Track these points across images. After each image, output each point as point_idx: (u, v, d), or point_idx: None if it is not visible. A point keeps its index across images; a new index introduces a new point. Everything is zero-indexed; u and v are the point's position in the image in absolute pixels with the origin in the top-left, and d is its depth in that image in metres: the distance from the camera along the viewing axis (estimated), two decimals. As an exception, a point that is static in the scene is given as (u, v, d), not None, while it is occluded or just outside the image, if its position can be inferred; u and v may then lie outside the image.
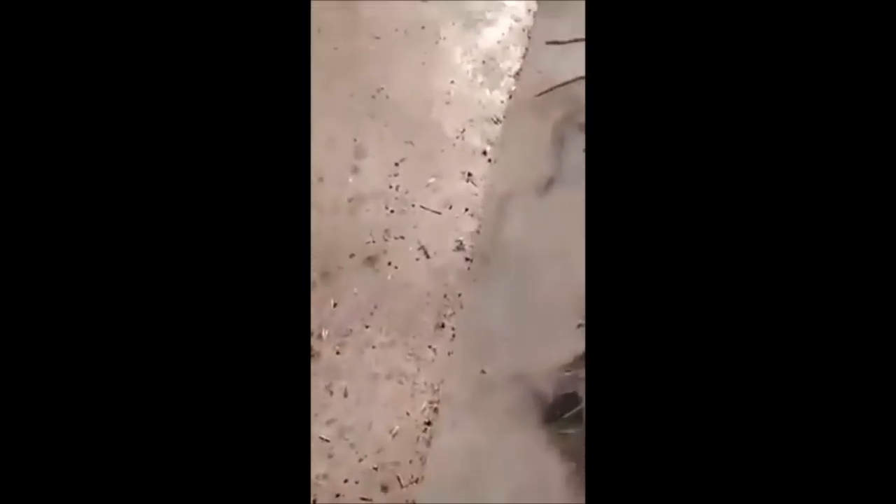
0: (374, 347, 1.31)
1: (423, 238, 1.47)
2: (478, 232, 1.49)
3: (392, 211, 1.49)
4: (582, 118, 1.49)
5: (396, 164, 1.56)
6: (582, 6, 1.75)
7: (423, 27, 1.81)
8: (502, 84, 1.73)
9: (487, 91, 1.71)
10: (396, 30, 1.81)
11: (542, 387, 1.19)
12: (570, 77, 1.63)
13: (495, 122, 1.66)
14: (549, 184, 1.45)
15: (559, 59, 1.69)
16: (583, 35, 1.67)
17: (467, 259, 1.45)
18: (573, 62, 1.65)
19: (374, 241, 1.44)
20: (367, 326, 1.33)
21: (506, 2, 1.90)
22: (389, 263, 1.42)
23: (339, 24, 1.81)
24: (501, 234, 1.45)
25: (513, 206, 1.48)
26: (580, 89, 1.56)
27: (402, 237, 1.46)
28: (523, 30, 1.84)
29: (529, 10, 1.88)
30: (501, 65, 1.76)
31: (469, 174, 1.57)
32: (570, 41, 1.69)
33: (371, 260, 1.42)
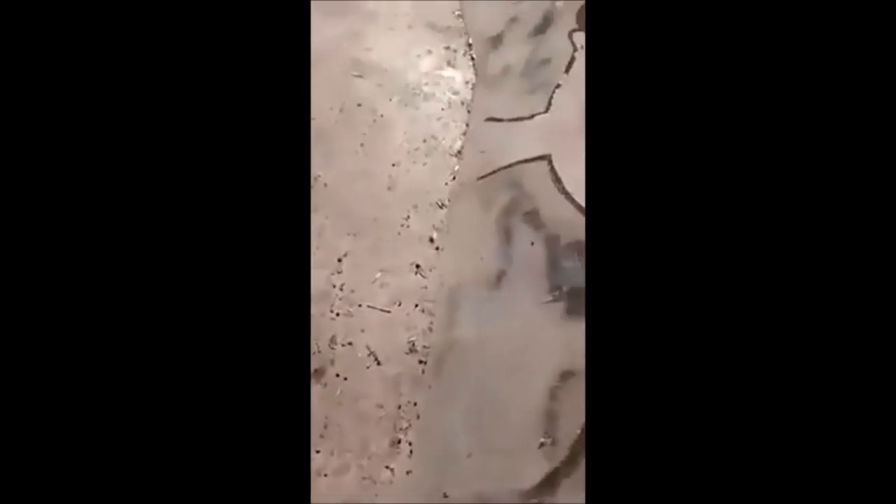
0: (325, 475, 1.22)
1: (373, 342, 1.39)
2: (430, 329, 1.43)
3: (338, 314, 1.41)
4: (528, 206, 1.46)
5: (339, 260, 1.48)
6: (518, 83, 1.73)
7: (358, 104, 1.74)
8: (445, 164, 1.68)
9: (430, 172, 1.66)
10: (331, 108, 1.74)
11: (508, 512, 1.14)
12: (512, 157, 1.60)
13: (440, 207, 1.61)
14: (499, 277, 1.41)
15: (500, 137, 1.65)
16: (525, 113, 1.65)
17: (421, 361, 1.38)
18: (514, 140, 1.62)
19: (319, 351, 1.35)
20: (317, 451, 1.24)
21: (442, 72, 1.86)
22: (338, 375, 1.33)
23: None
24: (455, 330, 1.39)
25: (464, 299, 1.43)
26: (522, 173, 1.53)
27: (350, 343, 1.38)
28: (462, 103, 1.80)
29: (467, 82, 1.84)
30: (443, 143, 1.71)
31: (417, 266, 1.51)
32: (510, 119, 1.66)
33: (318, 373, 1.33)
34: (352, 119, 1.71)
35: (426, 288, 1.48)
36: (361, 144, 1.67)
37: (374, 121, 1.71)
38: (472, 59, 1.90)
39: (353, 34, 1.90)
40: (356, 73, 1.79)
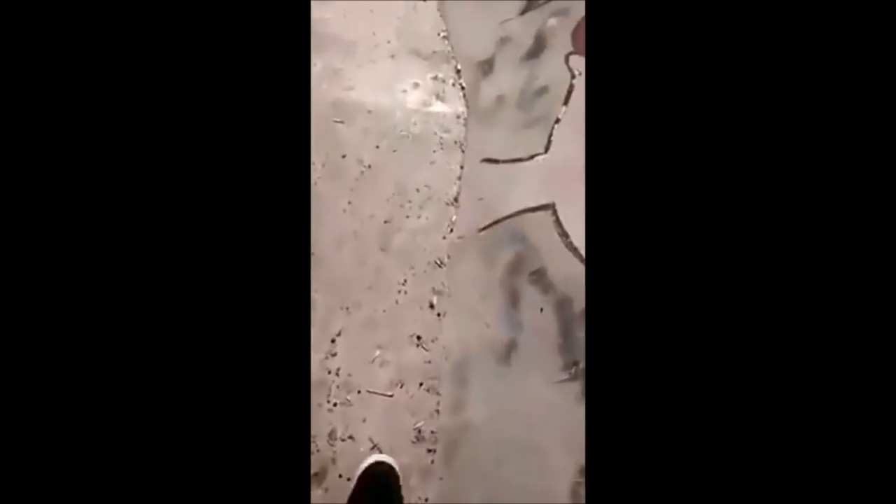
0: None
1: (376, 433, 1.28)
2: (437, 411, 1.31)
3: (335, 404, 1.30)
4: (534, 265, 1.32)
5: (333, 341, 1.37)
6: (514, 117, 1.58)
7: (343, 155, 1.61)
8: (441, 215, 1.54)
9: (426, 226, 1.53)
10: (312, 163, 1.60)
11: None
12: (512, 205, 1.46)
13: (439, 265, 1.48)
14: (508, 350, 1.28)
15: (499, 181, 1.51)
16: (522, 153, 1.50)
17: (430, 450, 1.27)
18: (514, 185, 1.48)
19: (318, 450, 1.25)
20: (323, 569, 1.15)
21: (431, 108, 1.71)
22: (340, 476, 1.23)
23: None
24: (464, 412, 1.28)
25: (472, 374, 1.31)
26: (524, 225, 1.39)
27: (352, 437, 1.27)
28: (455, 142, 1.65)
29: (459, 117, 1.69)
30: (438, 190, 1.57)
31: (418, 337, 1.39)
32: (507, 161, 1.51)
33: (318, 477, 1.23)
34: (337, 173, 1.58)
35: (430, 363, 1.36)
36: (349, 202, 1.54)
37: (362, 172, 1.58)
38: (463, 87, 1.75)
39: (333, 72, 1.76)
40: (338, 120, 1.65)
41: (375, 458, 1.23)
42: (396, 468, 1.22)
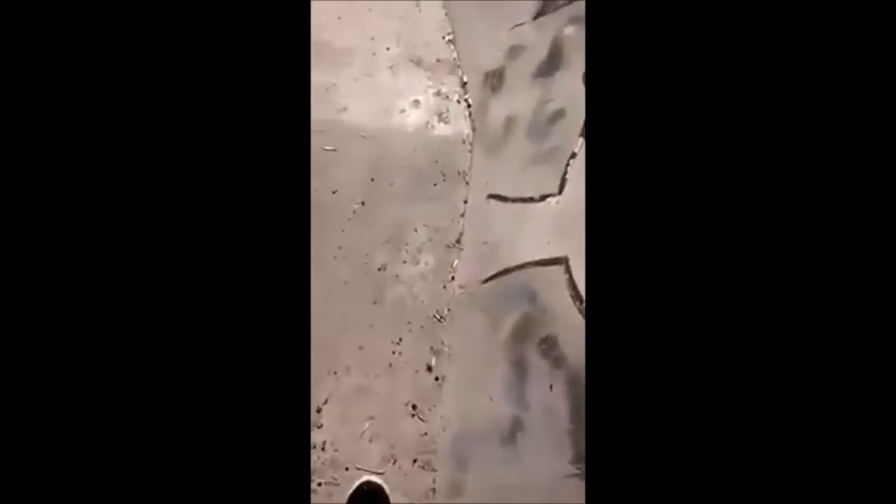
0: None
1: (365, 519, 1.16)
2: (433, 490, 1.18)
3: (320, 483, 1.18)
4: (543, 331, 1.16)
5: (319, 410, 1.24)
6: (524, 147, 1.39)
7: (333, 191, 1.45)
8: (442, 259, 1.38)
9: (425, 273, 1.37)
10: (301, 198, 1.45)
11: None
12: (520, 253, 1.28)
13: (439, 320, 1.32)
14: (513, 430, 1.13)
15: (506, 223, 1.33)
16: (532, 192, 1.32)
17: (424, 537, 1.15)
18: (522, 230, 1.30)
19: (302, 540, 1.14)
20: None
21: (434, 132, 1.52)
22: (325, 570, 1.12)
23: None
24: (463, 495, 1.15)
25: (472, 453, 1.17)
26: (533, 279, 1.22)
27: (338, 523, 1.16)
28: (459, 173, 1.47)
29: (464, 141, 1.50)
30: (439, 231, 1.41)
31: (413, 406, 1.25)
32: (516, 199, 1.33)
33: (301, 571, 1.12)
34: (326, 212, 1.42)
35: (426, 435, 1.23)
36: (339, 247, 1.38)
37: (354, 211, 1.42)
38: (468, 104, 1.55)
39: (324, 88, 1.58)
40: (329, 148, 1.49)
41: (365, 478, 1.15)
42: (386, 489, 1.14)
